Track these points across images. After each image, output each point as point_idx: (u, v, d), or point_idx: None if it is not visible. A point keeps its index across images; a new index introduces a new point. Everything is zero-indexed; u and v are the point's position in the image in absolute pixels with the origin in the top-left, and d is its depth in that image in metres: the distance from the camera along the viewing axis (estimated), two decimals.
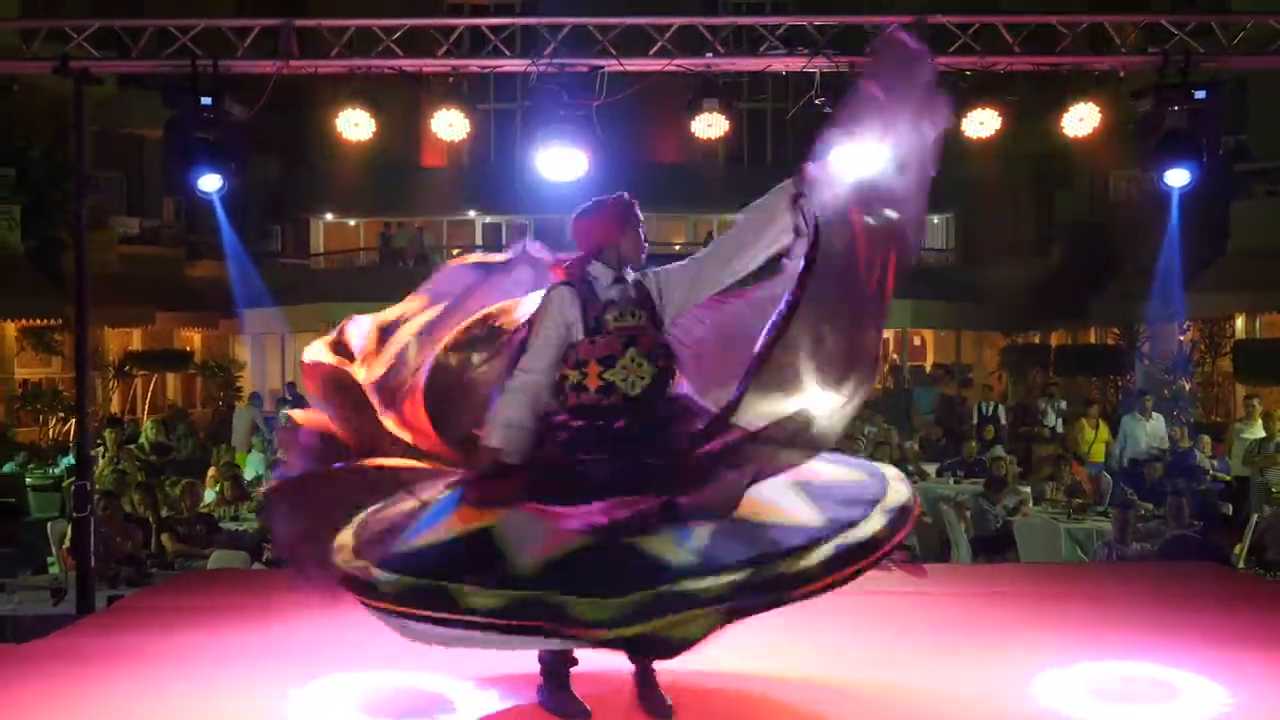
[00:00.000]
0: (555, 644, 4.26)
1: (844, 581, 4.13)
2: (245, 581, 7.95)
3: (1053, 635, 5.89)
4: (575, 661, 4.66)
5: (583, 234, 4.70)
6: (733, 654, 5.33)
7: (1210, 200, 17.27)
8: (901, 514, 4.32)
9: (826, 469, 4.44)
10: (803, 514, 4.20)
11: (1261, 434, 13.63)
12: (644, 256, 4.75)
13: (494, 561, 4.04)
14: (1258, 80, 18.67)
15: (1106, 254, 22.51)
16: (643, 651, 4.27)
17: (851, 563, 4.12)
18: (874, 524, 4.22)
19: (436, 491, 4.41)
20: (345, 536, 4.39)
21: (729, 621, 3.99)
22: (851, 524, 4.19)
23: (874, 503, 4.32)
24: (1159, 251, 17.71)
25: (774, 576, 4.00)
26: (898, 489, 4.45)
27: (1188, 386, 19.64)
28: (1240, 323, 20.17)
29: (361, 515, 4.46)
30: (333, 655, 5.56)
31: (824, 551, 4.08)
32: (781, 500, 4.23)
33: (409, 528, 4.28)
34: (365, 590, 4.21)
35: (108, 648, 5.75)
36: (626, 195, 4.78)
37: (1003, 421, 16.56)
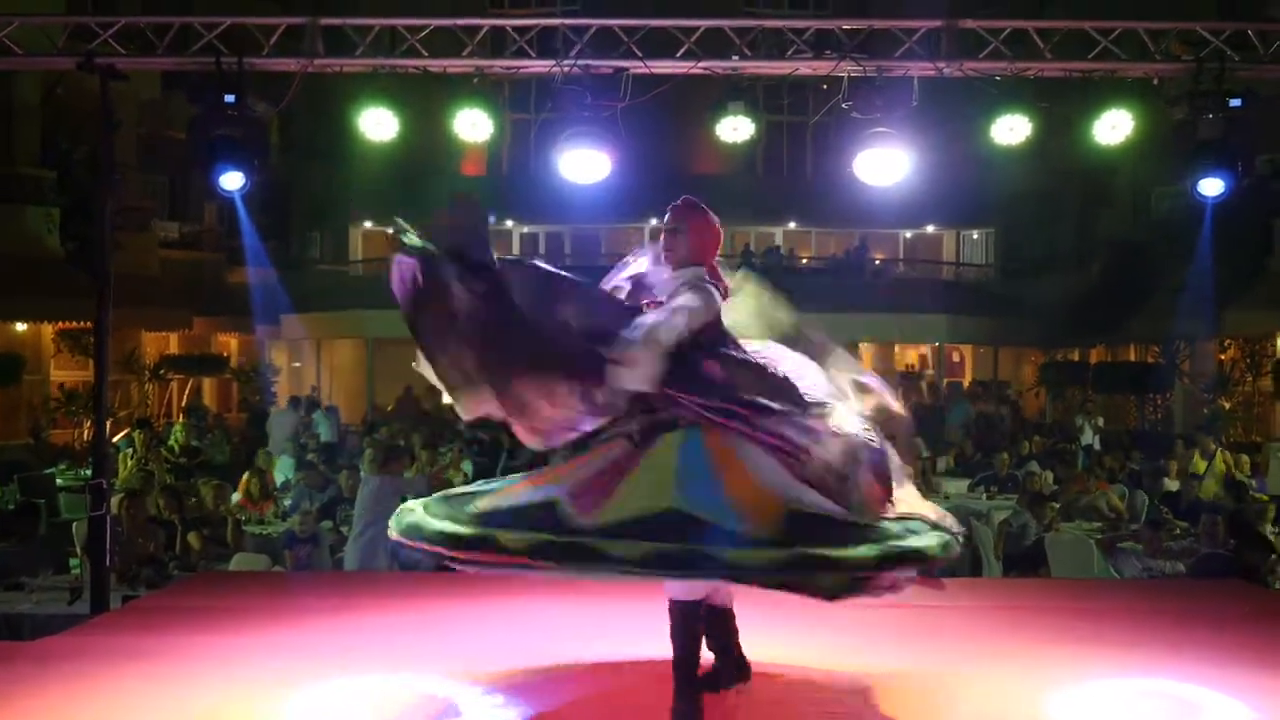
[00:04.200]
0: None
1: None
2: (258, 583, 7.94)
3: (1078, 651, 5.80)
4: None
5: (708, 237, 4.72)
6: (756, 665, 5.30)
7: (1251, 217, 17.04)
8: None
9: None
10: None
11: None
12: None
13: None
14: None
15: (1147, 271, 22.23)
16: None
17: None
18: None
19: None
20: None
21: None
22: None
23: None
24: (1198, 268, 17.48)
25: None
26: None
27: (1227, 406, 19.39)
28: None
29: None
30: (340, 658, 5.54)
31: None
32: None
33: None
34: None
35: (115, 647, 5.73)
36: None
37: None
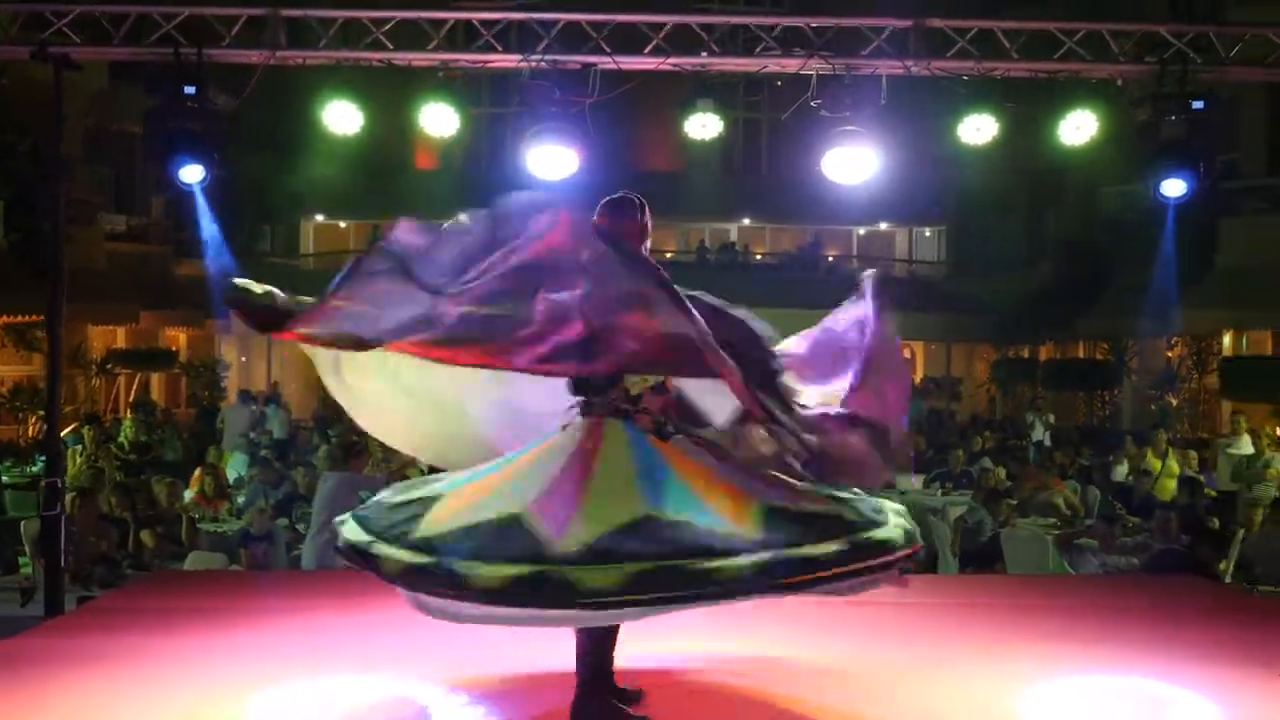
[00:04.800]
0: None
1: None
2: (217, 583, 7.83)
3: (1040, 648, 5.82)
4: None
5: (620, 229, 4.40)
6: (719, 661, 5.28)
7: (1199, 217, 17.28)
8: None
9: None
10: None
11: (1249, 450, 13.63)
12: None
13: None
14: (1248, 98, 18.72)
15: (1096, 269, 22.53)
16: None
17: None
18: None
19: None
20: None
21: None
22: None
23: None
24: (1149, 268, 17.71)
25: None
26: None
27: (1174, 402, 19.67)
28: (1228, 339, 20.17)
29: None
30: (304, 660, 5.47)
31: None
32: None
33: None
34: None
35: (73, 649, 5.62)
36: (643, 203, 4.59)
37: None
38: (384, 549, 3.99)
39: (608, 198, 4.58)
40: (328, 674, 5.21)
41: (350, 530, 4.18)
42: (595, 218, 4.46)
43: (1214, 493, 13.19)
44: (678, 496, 3.97)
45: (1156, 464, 13.08)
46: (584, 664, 4.35)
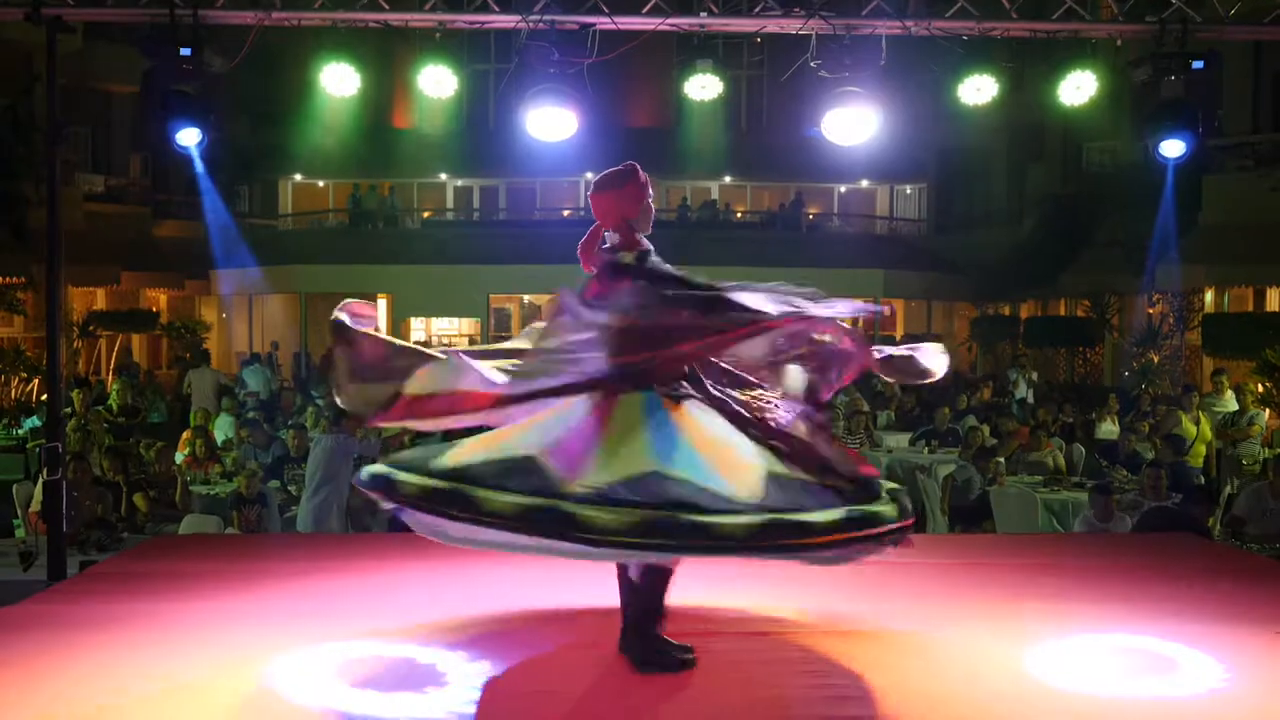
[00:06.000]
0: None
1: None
2: (219, 547, 7.82)
3: (1040, 607, 5.86)
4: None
5: (613, 205, 4.73)
6: (720, 620, 5.33)
7: (1182, 175, 17.36)
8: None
9: None
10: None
11: (1233, 407, 13.73)
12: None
13: None
14: (1231, 57, 18.73)
15: (1078, 226, 22.60)
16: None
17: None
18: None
19: None
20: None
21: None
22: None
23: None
24: (1131, 224, 17.81)
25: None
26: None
27: (1156, 359, 19.80)
28: (1209, 296, 20.31)
29: None
30: (308, 623, 5.49)
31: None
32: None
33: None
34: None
35: (82, 615, 5.62)
36: (637, 166, 4.79)
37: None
38: (403, 475, 4.25)
39: (606, 171, 4.80)
40: (339, 637, 5.23)
41: (372, 467, 4.45)
42: (594, 191, 4.81)
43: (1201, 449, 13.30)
44: (683, 456, 4.23)
45: (1191, 429, 12.37)
46: (638, 603, 4.64)
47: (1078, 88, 8.33)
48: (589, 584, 5.35)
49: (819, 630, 5.38)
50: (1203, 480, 11.83)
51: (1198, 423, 12.56)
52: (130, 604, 5.83)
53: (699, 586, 5.17)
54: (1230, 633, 5.36)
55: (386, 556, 6.93)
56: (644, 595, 4.63)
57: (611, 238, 4.73)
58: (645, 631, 4.68)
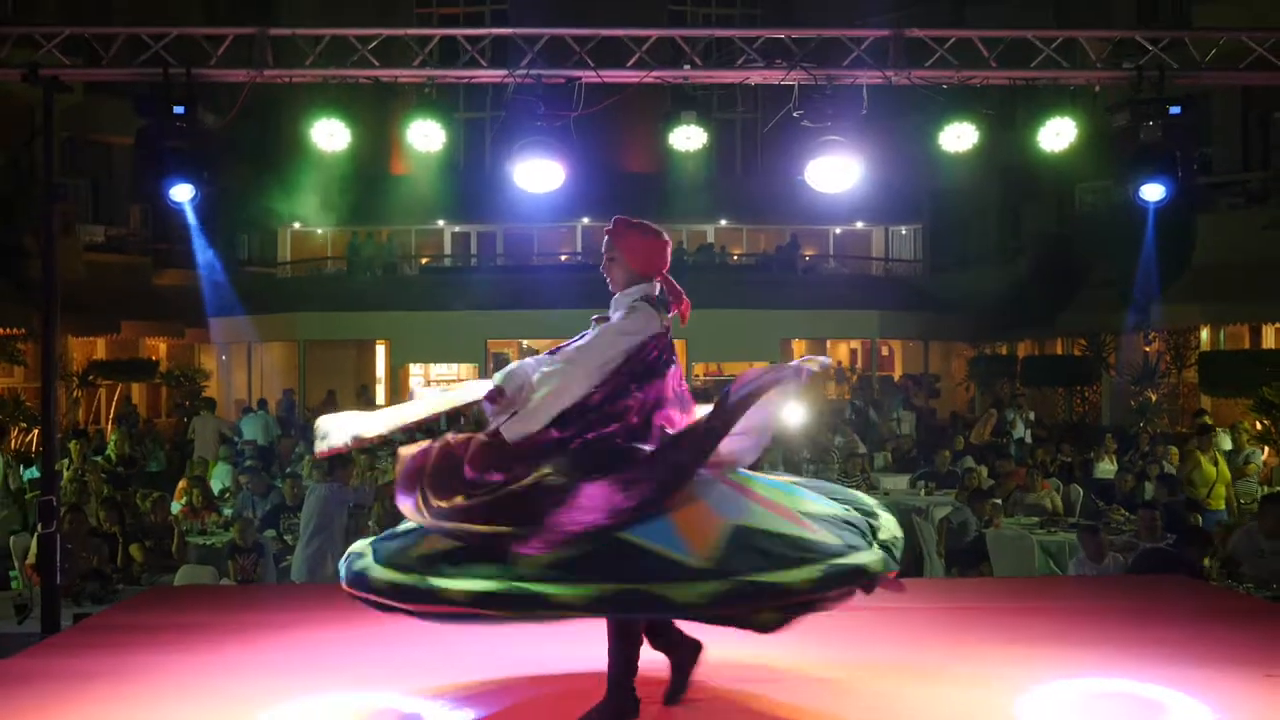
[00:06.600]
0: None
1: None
2: (209, 598, 7.84)
3: (1030, 652, 5.87)
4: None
5: (646, 253, 4.69)
6: (716, 668, 5.34)
7: (1176, 214, 17.43)
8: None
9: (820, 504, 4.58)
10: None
11: (1228, 446, 13.75)
12: None
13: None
14: (1221, 94, 18.91)
15: (1073, 265, 22.69)
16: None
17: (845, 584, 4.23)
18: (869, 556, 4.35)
19: None
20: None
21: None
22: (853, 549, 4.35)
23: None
24: (1125, 263, 17.88)
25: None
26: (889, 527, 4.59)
27: (1154, 398, 19.83)
28: (1205, 334, 20.36)
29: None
30: (303, 675, 5.50)
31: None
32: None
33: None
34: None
35: (76, 668, 5.64)
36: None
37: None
38: (377, 571, 4.38)
39: (628, 220, 4.77)
40: (329, 690, 5.25)
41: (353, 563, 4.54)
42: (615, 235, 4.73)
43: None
44: (648, 524, 4.17)
45: (1210, 470, 12.02)
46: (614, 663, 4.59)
47: (1057, 134, 8.42)
48: (583, 638, 5.37)
49: (809, 678, 5.39)
50: (1199, 520, 11.86)
51: (1216, 463, 12.19)
52: (122, 657, 5.84)
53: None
54: (1221, 676, 5.36)
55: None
56: (611, 656, 4.59)
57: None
58: (610, 690, 4.61)
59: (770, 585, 4.06)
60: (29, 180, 18.91)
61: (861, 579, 4.26)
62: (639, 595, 4.02)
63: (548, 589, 4.02)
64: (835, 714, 4.93)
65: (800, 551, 4.19)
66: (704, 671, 5.07)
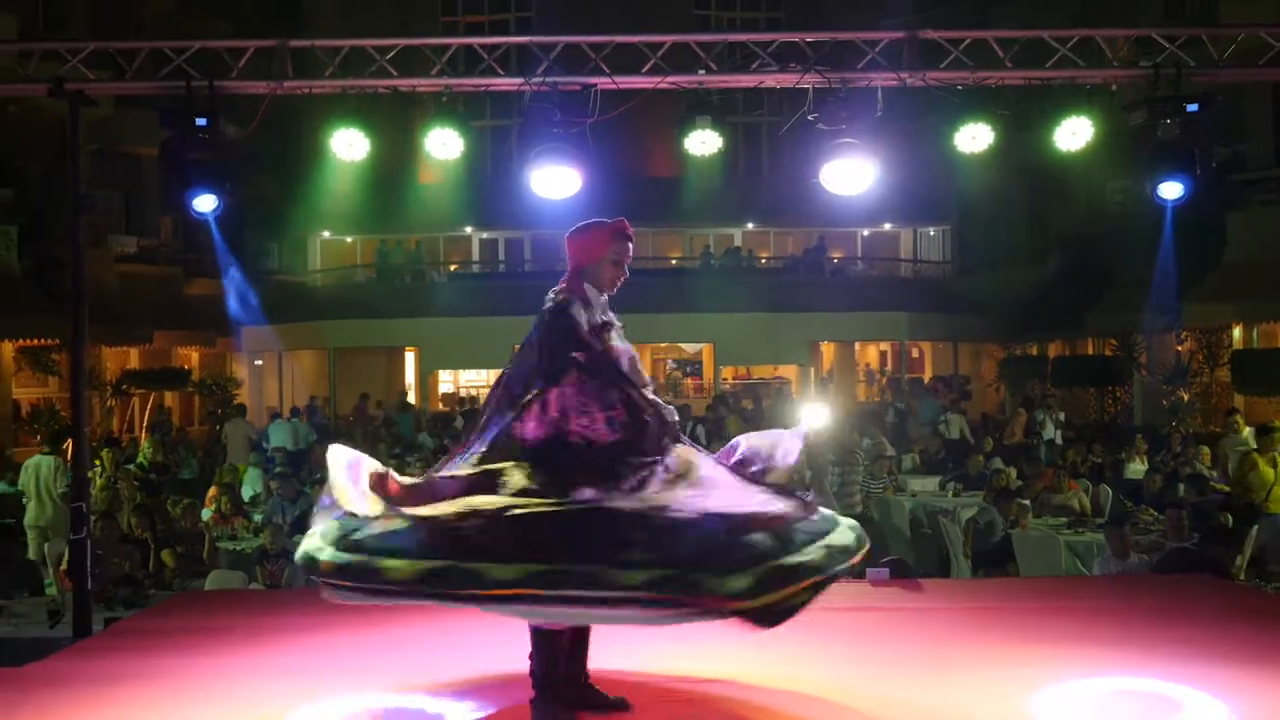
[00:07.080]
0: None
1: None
2: (242, 602, 7.93)
3: (1054, 651, 5.88)
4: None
5: (572, 250, 4.90)
6: (730, 664, 5.37)
7: (1207, 211, 17.32)
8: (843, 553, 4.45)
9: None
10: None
11: (1253, 445, 13.59)
12: (616, 287, 4.91)
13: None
14: (1252, 91, 18.74)
15: (1102, 265, 22.55)
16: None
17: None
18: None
19: None
20: None
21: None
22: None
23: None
24: (1154, 262, 17.76)
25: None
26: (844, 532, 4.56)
27: (1186, 397, 19.67)
28: (1237, 332, 20.19)
29: None
30: (335, 677, 5.56)
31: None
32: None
33: None
34: None
35: (104, 671, 5.72)
36: (624, 222, 4.92)
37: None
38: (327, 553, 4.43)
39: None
40: (359, 690, 5.31)
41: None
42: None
43: (1227, 488, 13.19)
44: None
45: (1269, 473, 11.27)
46: (535, 661, 4.74)
47: (1074, 133, 8.40)
48: (612, 639, 5.42)
49: (827, 678, 5.40)
50: (1229, 519, 11.75)
51: (1275, 465, 11.36)
52: (150, 660, 5.93)
53: (700, 635, 5.21)
54: (1244, 676, 5.34)
55: (405, 609, 6.98)
56: (540, 650, 4.73)
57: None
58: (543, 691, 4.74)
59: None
60: (61, 193, 19.16)
61: (796, 578, 4.24)
62: (570, 573, 4.07)
63: (486, 566, 4.11)
64: (854, 713, 4.94)
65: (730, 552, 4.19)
66: (714, 671, 5.10)
